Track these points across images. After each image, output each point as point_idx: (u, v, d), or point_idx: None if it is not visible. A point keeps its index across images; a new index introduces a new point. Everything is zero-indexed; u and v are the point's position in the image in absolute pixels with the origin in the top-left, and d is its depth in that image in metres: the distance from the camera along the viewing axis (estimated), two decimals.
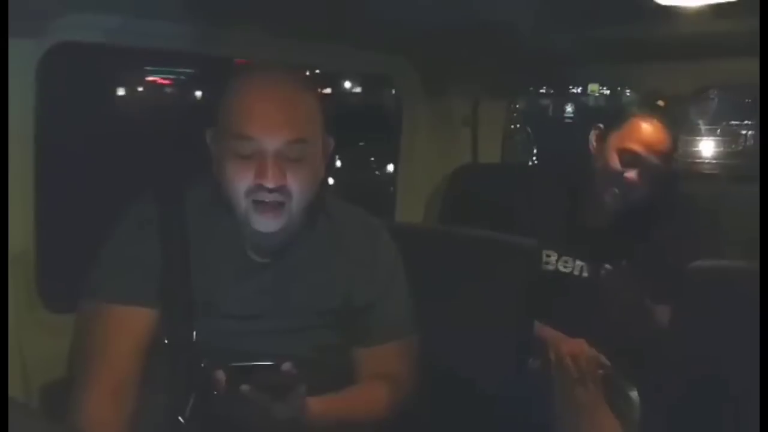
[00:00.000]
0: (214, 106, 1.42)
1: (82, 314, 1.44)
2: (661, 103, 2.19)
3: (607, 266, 1.90)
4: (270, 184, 1.33)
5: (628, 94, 2.78)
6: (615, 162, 1.96)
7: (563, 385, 1.78)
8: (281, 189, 1.34)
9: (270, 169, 1.33)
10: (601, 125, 2.04)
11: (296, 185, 1.36)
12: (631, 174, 1.94)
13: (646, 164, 1.94)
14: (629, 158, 1.95)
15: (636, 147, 1.95)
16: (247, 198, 1.35)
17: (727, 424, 1.29)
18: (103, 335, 1.38)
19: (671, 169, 2.02)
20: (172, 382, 1.38)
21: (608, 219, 2.01)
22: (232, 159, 1.35)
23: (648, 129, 1.96)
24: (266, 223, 1.36)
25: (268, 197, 1.34)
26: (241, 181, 1.34)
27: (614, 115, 2.04)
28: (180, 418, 1.35)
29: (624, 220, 2.00)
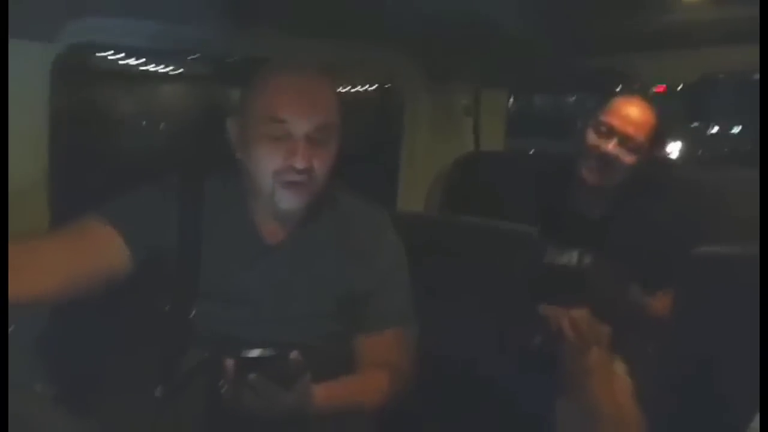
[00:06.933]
0: (239, 96, 1.47)
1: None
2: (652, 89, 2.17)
3: (603, 255, 1.86)
4: (300, 165, 1.38)
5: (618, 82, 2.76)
6: (591, 136, 1.95)
7: (570, 352, 1.75)
8: (308, 170, 1.40)
9: (300, 150, 1.38)
10: (588, 113, 2.02)
11: (320, 168, 1.41)
12: (606, 146, 1.92)
13: (620, 136, 1.92)
14: (604, 130, 1.94)
15: (611, 120, 1.94)
16: (275, 178, 1.40)
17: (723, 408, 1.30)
18: (76, 237, 1.39)
19: (655, 148, 1.98)
20: (162, 358, 1.42)
21: (596, 204, 2.00)
22: (262, 141, 1.40)
23: (627, 106, 1.95)
24: (291, 200, 1.42)
25: (297, 178, 1.40)
26: (270, 162, 1.40)
27: (600, 101, 2.02)
28: (157, 392, 1.39)
29: (615, 207, 1.99)
